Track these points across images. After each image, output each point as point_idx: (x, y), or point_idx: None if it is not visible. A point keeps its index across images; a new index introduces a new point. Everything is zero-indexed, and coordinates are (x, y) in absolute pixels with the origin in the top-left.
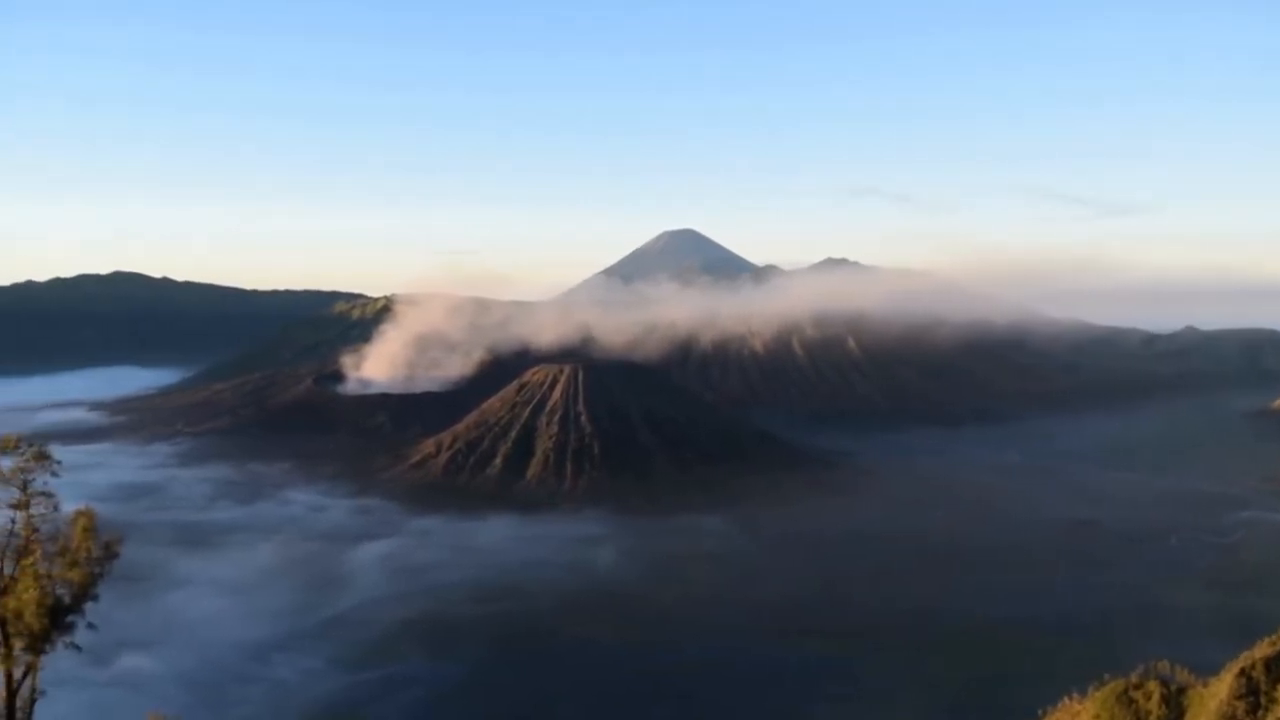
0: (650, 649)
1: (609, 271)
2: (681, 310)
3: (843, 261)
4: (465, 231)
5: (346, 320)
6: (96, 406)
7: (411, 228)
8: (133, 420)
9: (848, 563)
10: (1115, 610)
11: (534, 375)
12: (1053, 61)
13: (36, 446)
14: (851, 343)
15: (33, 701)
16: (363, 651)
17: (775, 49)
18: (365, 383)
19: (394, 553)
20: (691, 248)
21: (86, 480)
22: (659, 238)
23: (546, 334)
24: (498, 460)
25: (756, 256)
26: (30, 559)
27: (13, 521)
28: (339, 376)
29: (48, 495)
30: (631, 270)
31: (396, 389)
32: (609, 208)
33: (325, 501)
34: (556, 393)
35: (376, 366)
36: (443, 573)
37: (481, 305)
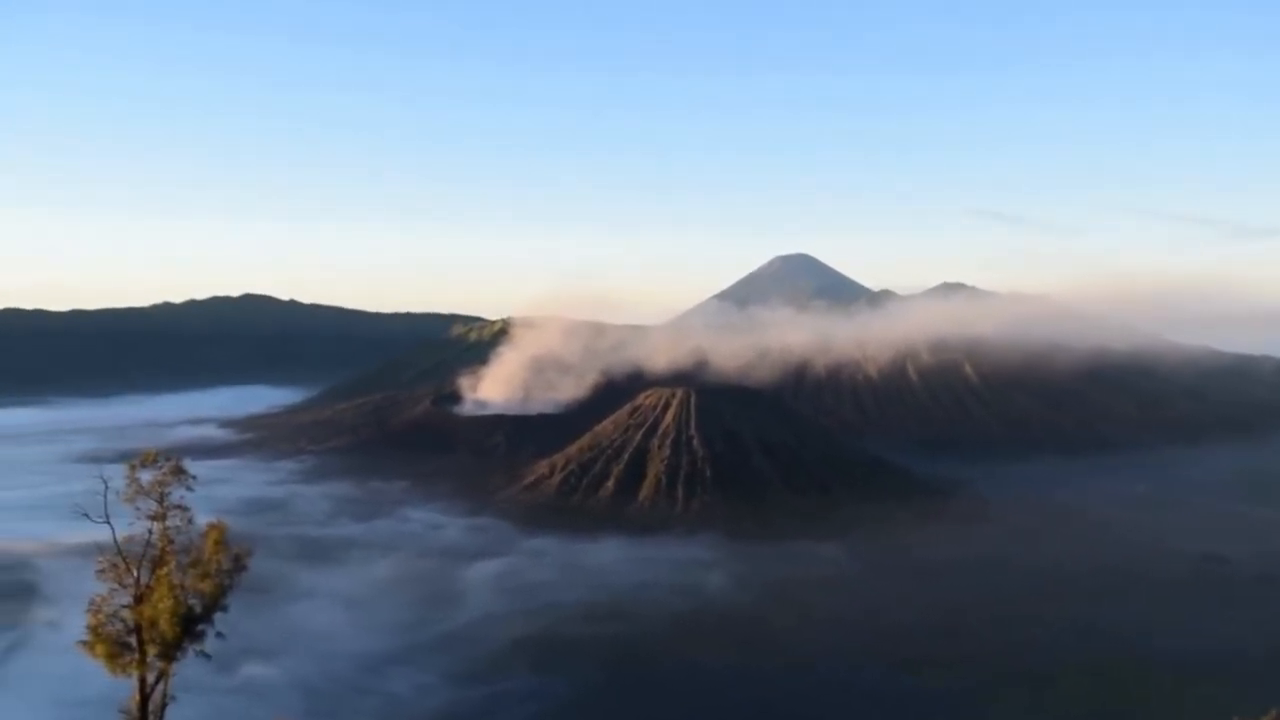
0: (761, 674)
1: (722, 296)
2: (795, 335)
3: (959, 286)
4: (581, 255)
5: (464, 342)
6: (226, 424)
7: (529, 251)
8: (259, 437)
9: (964, 592)
10: (1246, 650)
11: (647, 398)
12: (1179, 83)
13: (174, 461)
14: (968, 369)
15: (164, 706)
16: (475, 667)
17: (887, 72)
18: (482, 404)
19: (507, 571)
20: (805, 272)
21: (215, 494)
22: (772, 262)
23: (660, 357)
24: (610, 482)
25: (871, 281)
26: (165, 569)
27: (150, 532)
28: (456, 397)
29: (183, 509)
30: (745, 294)
31: (512, 410)
32: (722, 232)
33: (442, 519)
34: (669, 416)
35: (493, 388)
36: (554, 592)
37: (596, 328)
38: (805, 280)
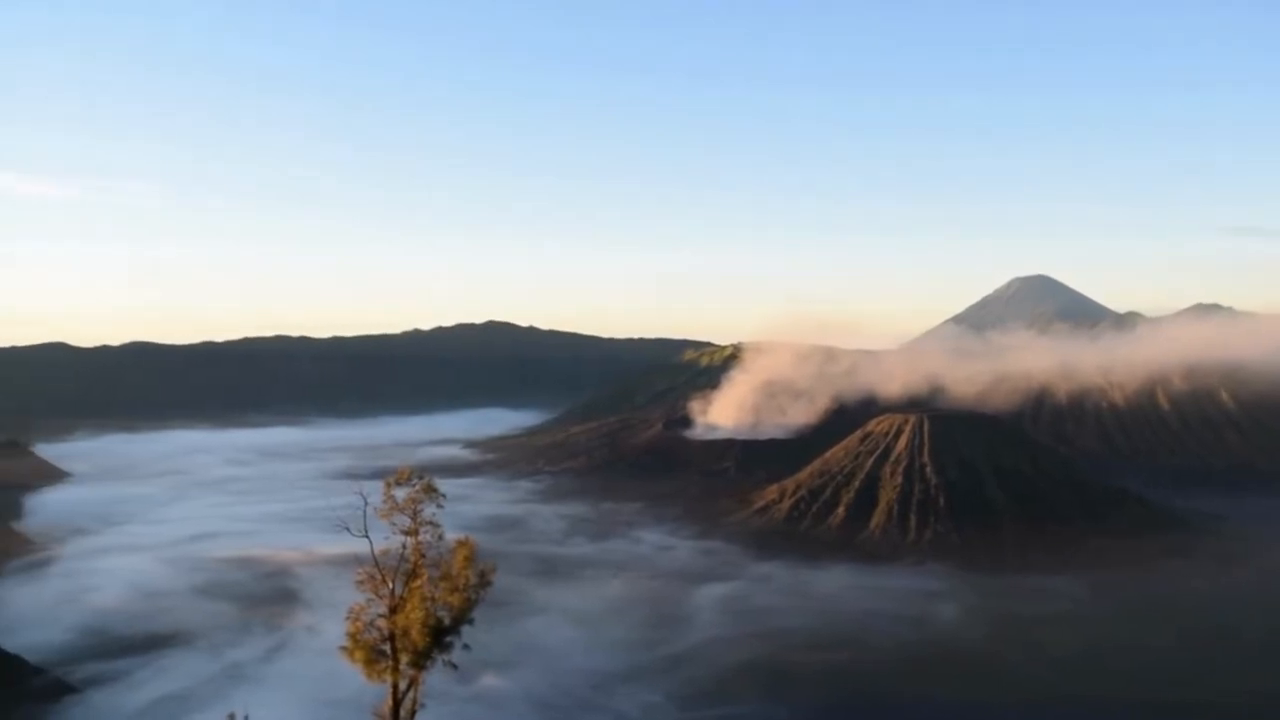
0: (990, 712)
1: (958, 319)
2: (1035, 359)
3: (1215, 307)
4: (814, 279)
5: (695, 367)
6: (469, 444)
7: (760, 276)
8: (500, 458)
9: (1217, 636)
10: None
11: (878, 424)
12: None
13: (426, 480)
14: (1225, 395)
15: (413, 713)
16: (700, 690)
17: (1131, 87)
18: (712, 428)
19: (735, 595)
20: (1044, 294)
21: (459, 511)
22: (1009, 284)
23: (893, 383)
24: (840, 509)
25: (1117, 303)
26: (418, 582)
27: (404, 546)
28: (687, 421)
29: (434, 525)
30: (981, 318)
31: (742, 434)
32: (957, 254)
33: (671, 541)
34: (901, 443)
35: (723, 412)
36: (781, 618)
37: (828, 353)
38: (1045, 302)
